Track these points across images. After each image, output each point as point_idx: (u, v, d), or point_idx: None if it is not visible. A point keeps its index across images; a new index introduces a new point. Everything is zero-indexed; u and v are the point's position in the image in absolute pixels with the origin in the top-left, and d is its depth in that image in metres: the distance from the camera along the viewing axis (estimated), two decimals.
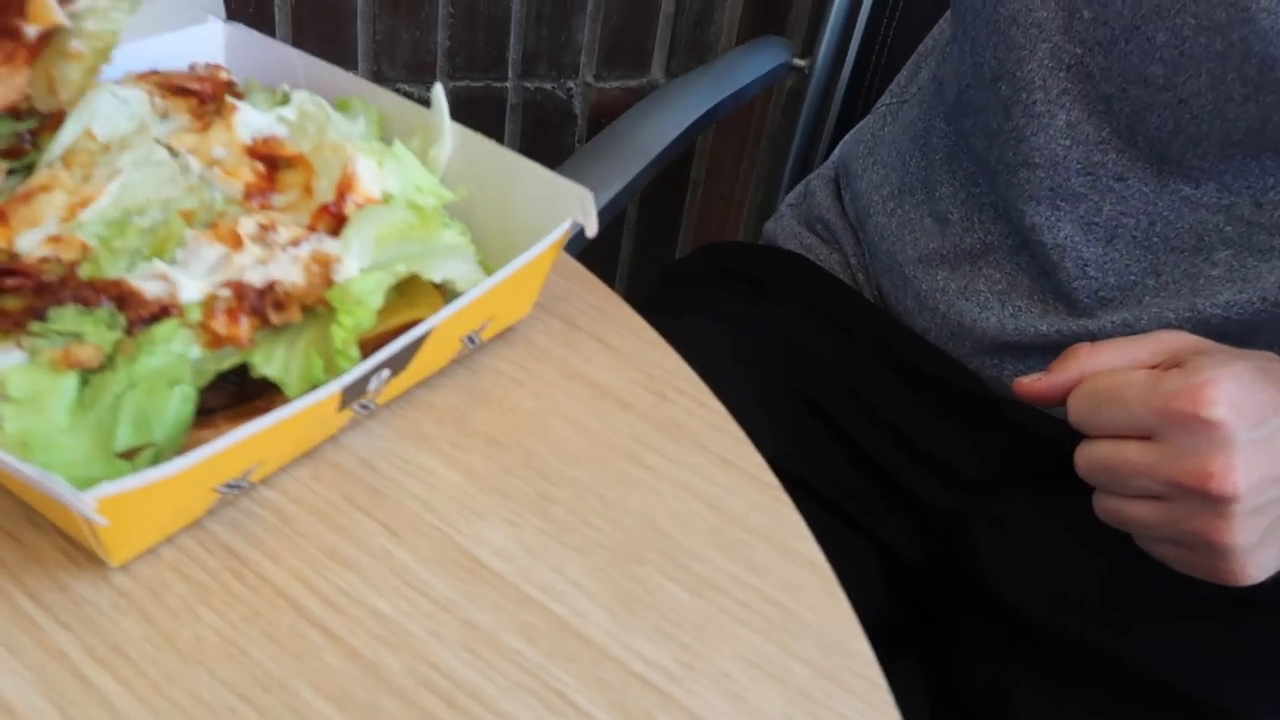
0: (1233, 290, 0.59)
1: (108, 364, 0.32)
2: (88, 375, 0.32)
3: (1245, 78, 0.54)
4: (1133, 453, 0.46)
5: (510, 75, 1.38)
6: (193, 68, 0.45)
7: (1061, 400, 0.49)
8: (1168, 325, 0.60)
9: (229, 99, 0.39)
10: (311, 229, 0.36)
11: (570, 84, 1.40)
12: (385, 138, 0.43)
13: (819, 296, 0.79)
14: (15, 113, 0.38)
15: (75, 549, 0.32)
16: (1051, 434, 0.67)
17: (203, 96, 0.40)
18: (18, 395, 0.31)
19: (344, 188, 0.37)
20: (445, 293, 0.38)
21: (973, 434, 0.69)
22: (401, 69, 1.32)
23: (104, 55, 0.37)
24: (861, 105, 1.29)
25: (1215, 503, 0.44)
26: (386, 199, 0.38)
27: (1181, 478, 0.44)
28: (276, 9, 1.24)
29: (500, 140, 1.42)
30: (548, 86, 1.40)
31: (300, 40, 1.26)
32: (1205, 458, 0.43)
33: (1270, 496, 0.45)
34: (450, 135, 0.43)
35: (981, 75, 0.64)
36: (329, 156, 0.38)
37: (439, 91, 0.43)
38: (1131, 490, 0.47)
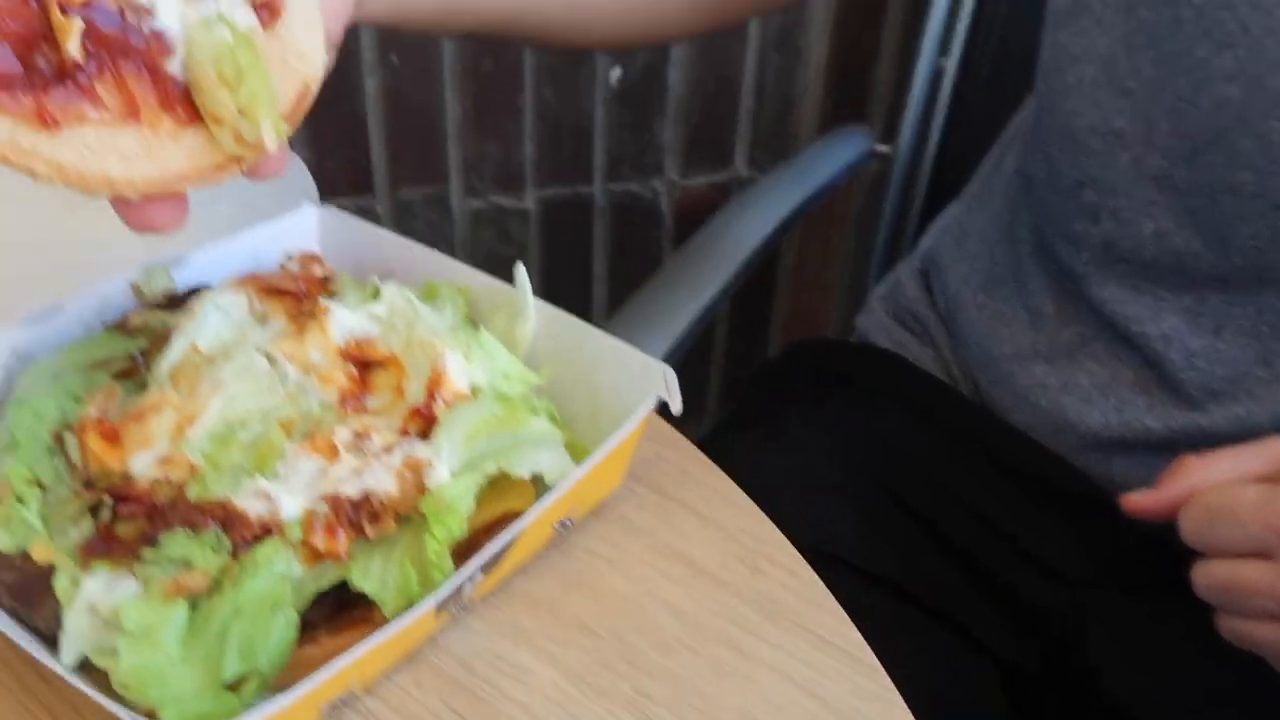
0: None
1: (214, 587, 0.33)
2: (197, 602, 0.33)
3: None
4: (1250, 572, 0.44)
5: (596, 180, 1.41)
6: (288, 258, 0.47)
7: (1172, 516, 0.47)
8: None
9: (322, 301, 0.40)
10: (404, 432, 0.37)
11: (655, 184, 1.42)
12: (473, 316, 0.45)
13: (914, 394, 0.77)
14: (131, 331, 0.41)
15: None
16: (1162, 533, 0.64)
17: (299, 295, 0.42)
18: (132, 628, 0.32)
19: (433, 386, 0.38)
20: (536, 481, 0.39)
21: (1078, 530, 0.67)
22: (491, 182, 1.36)
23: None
24: (948, 189, 1.28)
25: None
26: (475, 392, 0.39)
27: None
28: (372, 134, 1.29)
29: (589, 242, 1.45)
30: (633, 188, 1.42)
31: (395, 160, 1.31)
32: None
33: None
34: (534, 312, 0.44)
35: (1063, 182, 0.63)
36: (418, 355, 0.39)
37: (522, 271, 0.44)
38: (1253, 611, 0.45)
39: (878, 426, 0.76)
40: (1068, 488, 0.67)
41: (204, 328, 0.39)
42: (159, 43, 0.36)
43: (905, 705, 0.36)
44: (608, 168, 1.40)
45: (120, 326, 0.41)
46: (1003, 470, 0.70)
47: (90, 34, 0.35)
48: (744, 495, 0.44)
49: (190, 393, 0.38)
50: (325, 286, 0.43)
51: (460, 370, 0.39)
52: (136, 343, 0.40)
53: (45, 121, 0.34)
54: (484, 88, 1.29)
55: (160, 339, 0.40)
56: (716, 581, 0.40)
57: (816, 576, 0.40)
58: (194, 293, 0.43)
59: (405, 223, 1.31)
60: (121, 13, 0.36)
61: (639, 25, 0.71)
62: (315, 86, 0.39)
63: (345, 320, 0.40)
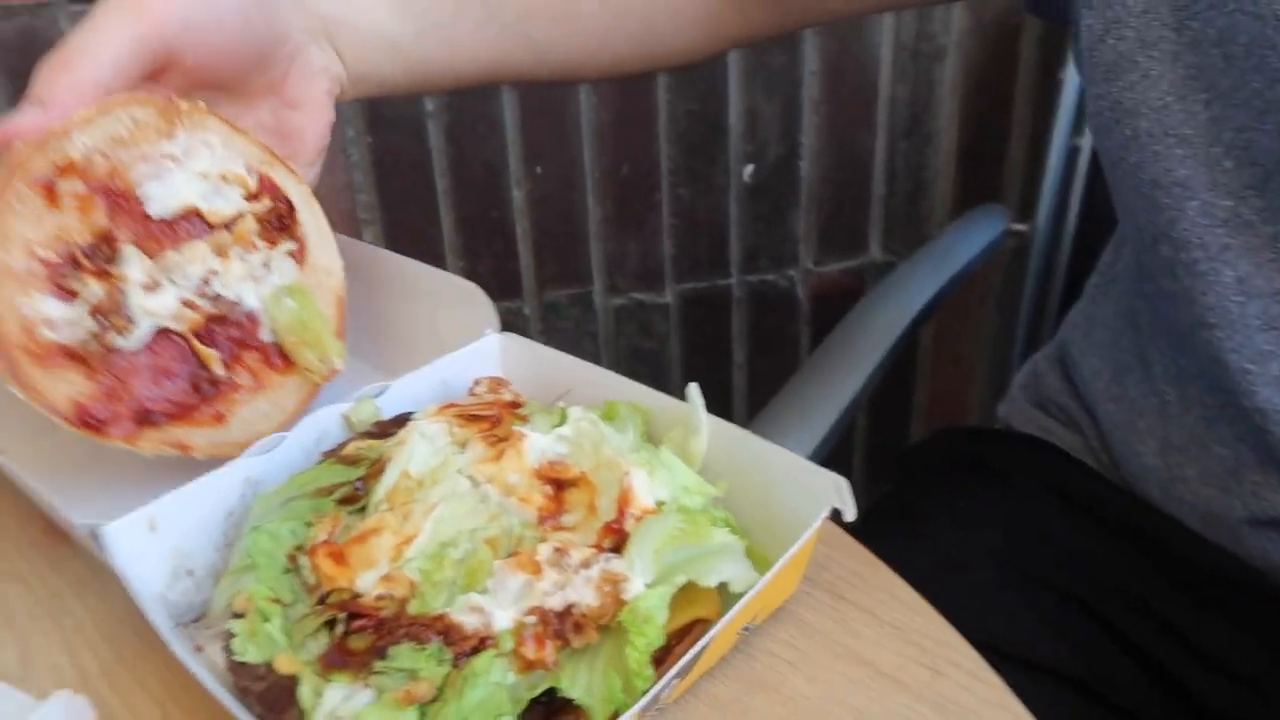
0: None
1: (438, 695, 0.37)
2: (424, 709, 0.37)
3: None
4: None
5: (733, 272, 1.44)
6: (477, 383, 0.51)
7: None
8: None
9: (517, 428, 0.44)
10: (598, 547, 0.40)
11: (791, 272, 1.45)
12: (650, 432, 0.48)
13: (1065, 484, 0.77)
14: (349, 460, 0.45)
15: None
16: None
17: (493, 420, 0.46)
18: None
19: (623, 503, 0.41)
20: (720, 589, 0.41)
21: (1246, 620, 0.65)
22: (632, 279, 1.42)
23: None
24: (1090, 266, 1.27)
25: None
26: (660, 506, 0.42)
27: None
28: (519, 241, 1.36)
29: (728, 333, 1.48)
30: (769, 277, 1.45)
31: (541, 264, 1.37)
32: None
33: None
34: (706, 428, 0.47)
35: (1143, 239, 0.62)
36: (606, 474, 0.42)
37: (695, 391, 0.47)
38: None
39: (1033, 517, 0.76)
40: (1229, 576, 0.65)
41: (413, 455, 0.44)
42: (252, 322, 0.50)
43: None
44: (743, 259, 1.43)
45: (339, 456, 0.46)
46: (1162, 561, 0.69)
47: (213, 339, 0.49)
48: (916, 595, 0.45)
49: (405, 515, 0.42)
50: (515, 410, 0.47)
51: (645, 487, 0.42)
52: (356, 471, 0.45)
53: (219, 420, 0.49)
54: (623, 191, 1.35)
55: (376, 467, 0.44)
56: (897, 684, 0.41)
57: (999, 679, 0.41)
58: (399, 420, 0.48)
59: (551, 322, 1.37)
60: (223, 316, 0.49)
61: (627, 46, 0.71)
62: (343, 292, 0.53)
63: (538, 443, 0.44)
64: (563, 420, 0.45)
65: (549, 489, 0.42)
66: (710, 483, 0.44)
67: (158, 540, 0.44)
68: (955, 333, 1.50)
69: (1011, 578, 0.72)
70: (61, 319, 0.45)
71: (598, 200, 1.35)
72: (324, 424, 0.49)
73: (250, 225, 0.50)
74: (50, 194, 0.46)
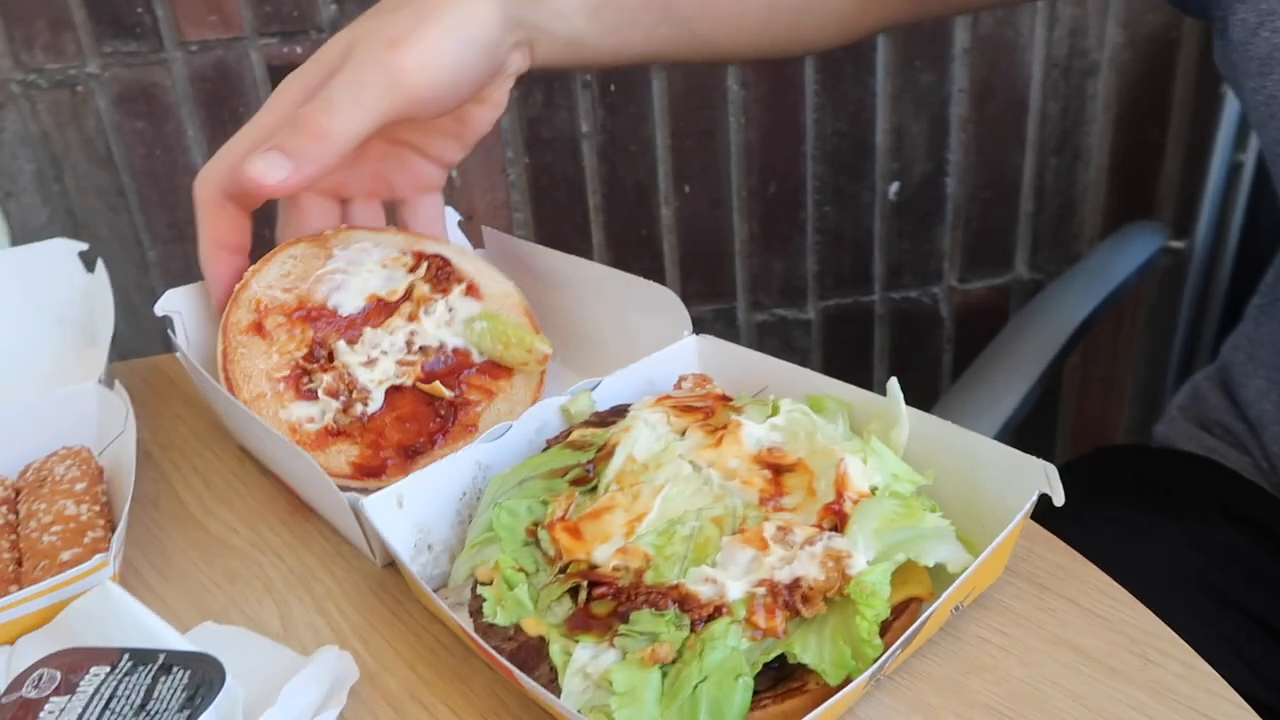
0: None
1: (678, 658, 0.40)
2: (665, 668, 0.40)
3: None
4: None
5: (876, 289, 1.45)
6: (682, 379, 0.55)
7: None
8: None
9: (734, 417, 0.47)
10: (819, 527, 0.43)
11: (935, 289, 1.46)
12: (851, 426, 0.50)
13: (1236, 502, 0.76)
14: (577, 445, 0.49)
15: None
16: None
17: (706, 412, 0.49)
18: (620, 689, 0.39)
19: (840, 486, 0.44)
20: (931, 570, 0.43)
21: None
22: (776, 295, 1.44)
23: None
24: (1252, 287, 1.24)
25: None
26: (874, 491, 0.44)
27: None
28: (666, 257, 1.40)
29: (870, 349, 1.49)
30: (913, 294, 1.46)
31: (687, 279, 1.41)
32: None
33: None
34: (907, 420, 0.49)
35: None
36: (822, 460, 0.45)
37: (894, 385, 0.49)
38: None
39: (1205, 533, 0.75)
40: None
41: (638, 441, 0.47)
42: (461, 354, 0.60)
43: None
44: (887, 276, 1.44)
45: (567, 442, 0.50)
46: None
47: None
48: (1121, 589, 0.46)
49: (634, 495, 0.45)
50: (728, 403, 0.50)
51: (860, 472, 0.44)
52: (585, 455, 0.48)
53: (471, 432, 0.57)
54: (769, 209, 1.38)
55: (604, 451, 0.47)
56: (1108, 669, 0.42)
57: (1210, 667, 0.42)
58: (616, 411, 0.51)
59: None
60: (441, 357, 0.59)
61: (780, 35, 0.74)
62: (526, 303, 0.62)
63: (754, 431, 0.46)
64: (775, 411, 0.48)
65: (768, 473, 0.45)
66: (918, 471, 0.46)
67: (405, 515, 0.48)
68: (1106, 352, 1.48)
69: (1184, 592, 0.72)
70: (314, 413, 0.57)
71: (743, 218, 1.38)
72: (543, 415, 0.53)
73: (422, 288, 0.60)
74: (261, 331, 0.58)
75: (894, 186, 1.38)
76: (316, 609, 0.50)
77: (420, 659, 0.46)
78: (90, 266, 0.71)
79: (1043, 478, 0.44)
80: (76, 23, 1.18)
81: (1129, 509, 0.80)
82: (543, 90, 1.26)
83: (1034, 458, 0.45)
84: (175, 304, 0.61)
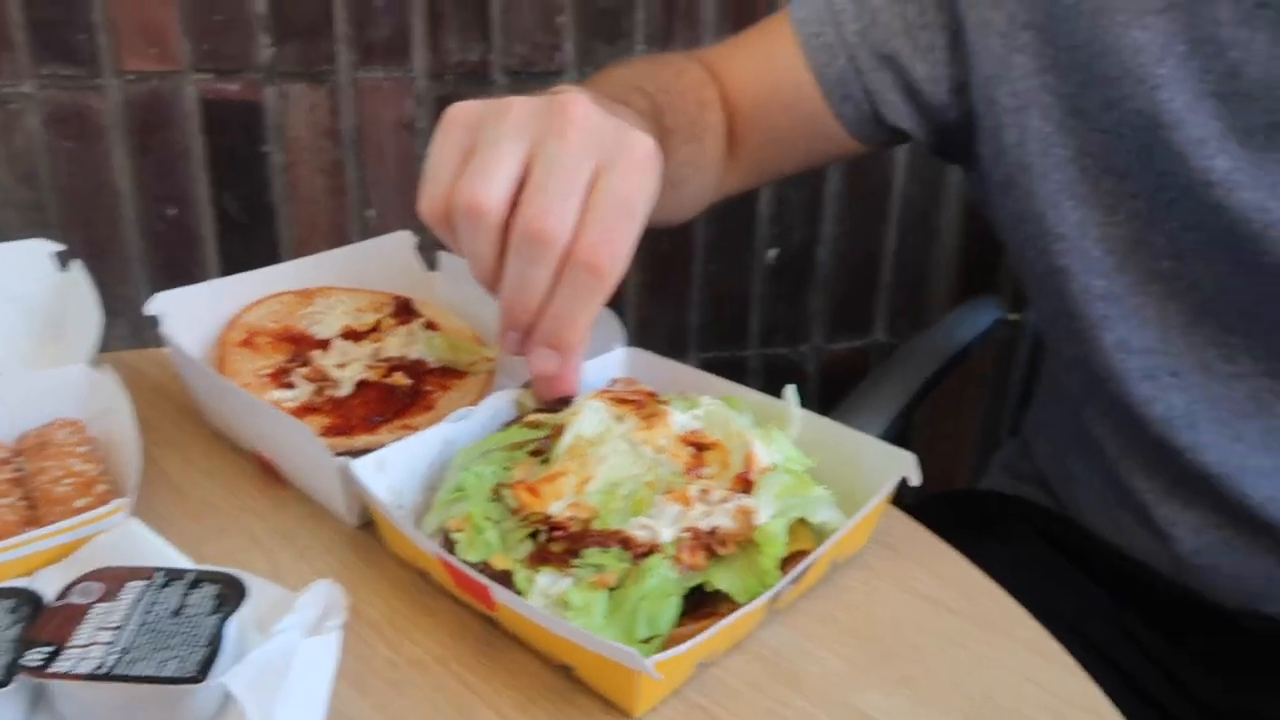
0: None
1: (620, 584, 0.50)
2: (610, 592, 0.50)
3: (1228, 257, 0.67)
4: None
5: (751, 345, 1.59)
6: (614, 381, 0.66)
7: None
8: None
9: (661, 406, 0.58)
10: (732, 490, 0.54)
11: (803, 348, 1.61)
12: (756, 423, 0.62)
13: (1052, 532, 0.91)
14: (533, 425, 0.59)
15: (603, 707, 0.49)
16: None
17: (638, 404, 0.60)
18: (576, 606, 0.49)
19: (748, 462, 0.55)
20: (815, 533, 0.55)
21: (1215, 660, 0.79)
22: (661, 344, 1.55)
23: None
24: None
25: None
26: (774, 468, 0.56)
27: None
28: None
29: None
30: (784, 351, 1.60)
31: None
32: None
33: None
34: (798, 419, 0.61)
35: (1044, 317, 0.79)
36: (734, 441, 0.56)
37: (791, 390, 0.61)
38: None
39: (1029, 558, 0.90)
40: (1189, 611, 0.79)
41: (585, 423, 0.58)
42: (419, 362, 0.71)
43: (1102, 692, 0.50)
44: (762, 334, 1.59)
45: (525, 422, 0.60)
46: (1140, 601, 0.82)
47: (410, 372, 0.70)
48: (958, 554, 0.59)
49: (582, 464, 0.55)
50: (655, 398, 0.61)
51: (764, 452, 0.56)
52: (540, 432, 0.58)
53: (430, 409, 0.67)
54: (660, 263, 1.51)
55: (556, 430, 0.58)
56: (948, 610, 0.55)
57: (1023, 609, 0.55)
58: (562, 401, 0.62)
59: None
60: (400, 365, 0.71)
61: (672, 212, 0.83)
62: (476, 331, 0.74)
63: (679, 418, 0.58)
64: (695, 405, 0.59)
65: (691, 450, 0.56)
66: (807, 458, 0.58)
67: (384, 477, 0.57)
68: (949, 411, 1.65)
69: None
70: (291, 397, 0.67)
71: (635, 270, 1.51)
72: (498, 403, 0.63)
73: (388, 321, 0.75)
74: (250, 345, 0.71)
75: (773, 252, 1.53)
76: (301, 558, 0.58)
77: (394, 595, 0.55)
78: (64, 265, 0.78)
79: (907, 465, 0.57)
80: (16, 43, 1.23)
81: (962, 539, 0.94)
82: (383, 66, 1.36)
83: (898, 449, 0.57)
84: (162, 306, 0.69)
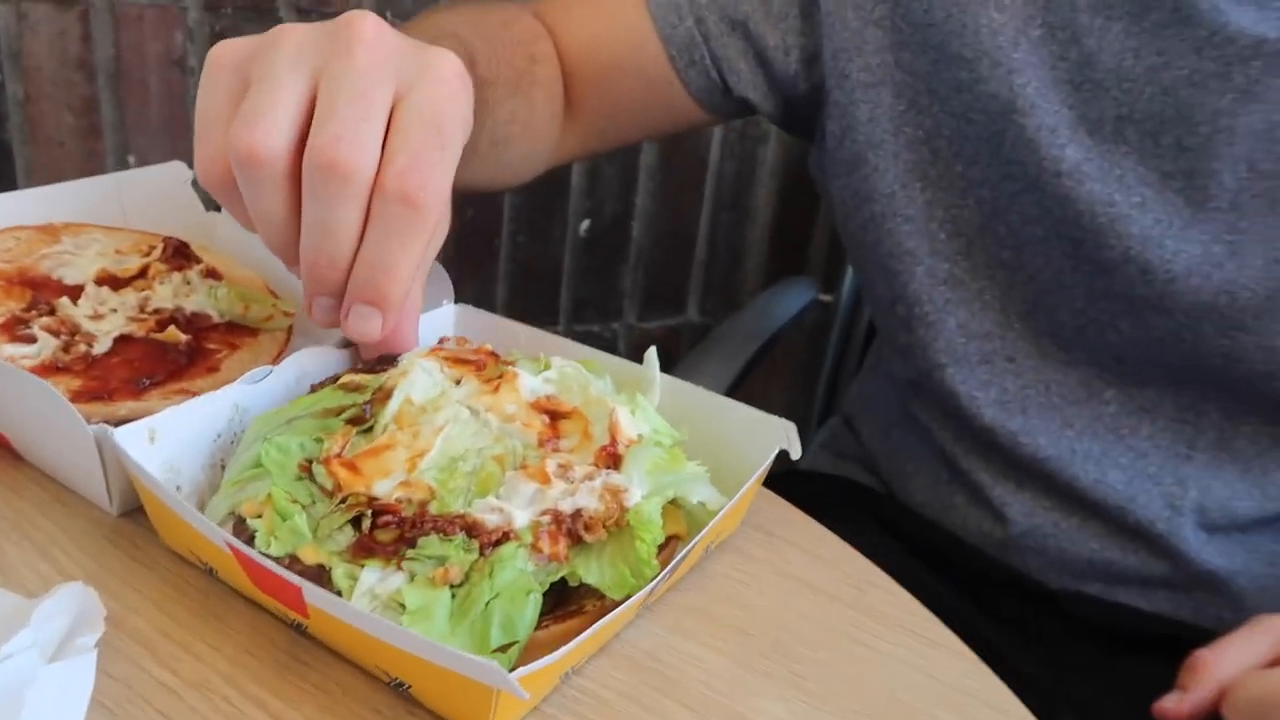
0: (1131, 420, 0.70)
1: (466, 579, 0.41)
2: (454, 589, 0.41)
3: (1067, 250, 0.67)
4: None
5: (561, 320, 1.51)
6: (443, 341, 0.56)
7: (1206, 713, 0.52)
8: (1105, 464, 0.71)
9: (509, 368, 0.49)
10: (597, 465, 0.46)
11: (615, 325, 1.54)
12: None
13: (878, 510, 0.89)
14: (350, 388, 0.48)
15: None
16: (1100, 620, 0.76)
17: (478, 365, 0.51)
18: (413, 607, 0.39)
19: (613, 432, 0.47)
20: (687, 515, 0.48)
21: (1026, 627, 0.78)
22: None
23: None
24: None
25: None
26: (642, 440, 0.48)
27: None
28: None
29: None
30: (595, 329, 1.53)
31: None
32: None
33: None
34: (659, 386, 0.53)
35: (881, 303, 0.77)
36: (595, 409, 0.48)
37: (652, 353, 0.53)
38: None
39: (860, 538, 0.87)
40: (1007, 584, 0.78)
41: (415, 385, 0.48)
42: (199, 316, 0.58)
43: (1002, 683, 0.45)
44: (572, 309, 1.51)
45: (338, 384, 0.49)
46: (956, 573, 0.81)
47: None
48: (834, 536, 0.53)
49: (414, 434, 0.46)
50: (498, 358, 0.52)
51: (630, 422, 0.48)
52: (360, 396, 0.48)
53: (214, 370, 0.55)
54: (465, 234, 1.40)
55: (382, 393, 0.47)
56: (831, 598, 0.49)
57: (911, 595, 0.49)
58: (385, 360, 0.52)
59: None
60: (174, 318, 0.58)
61: (502, 174, 0.76)
62: (270, 283, 0.63)
63: (529, 382, 0.49)
64: (547, 367, 0.51)
65: (545, 418, 0.47)
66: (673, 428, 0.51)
67: (155, 451, 0.45)
68: (761, 393, 1.63)
69: None
70: (30, 351, 0.53)
71: None
72: (303, 363, 0.52)
73: (158, 266, 0.61)
74: None
75: (584, 224, 1.45)
76: (41, 554, 0.45)
77: (169, 599, 0.44)
78: None
79: (783, 435, 0.50)
80: None
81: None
82: None
83: (776, 418, 0.51)
84: None
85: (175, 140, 1.20)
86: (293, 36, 0.46)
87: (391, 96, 0.45)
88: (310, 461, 0.45)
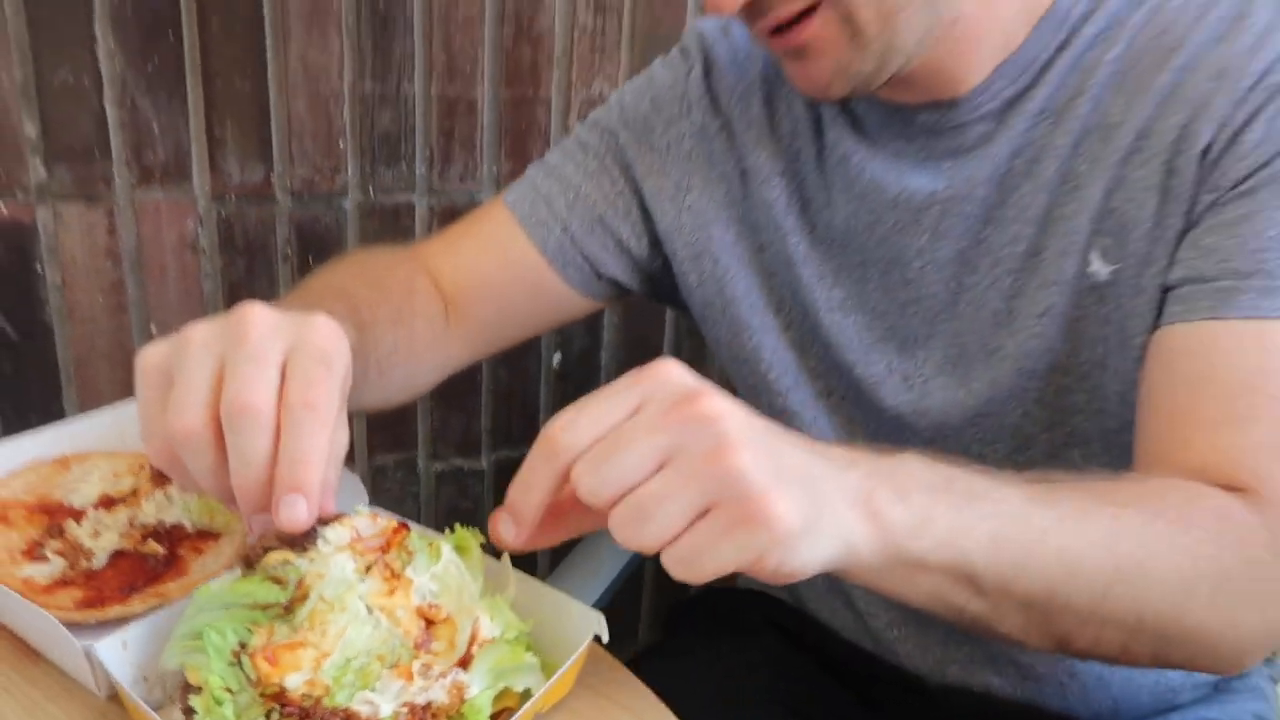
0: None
1: None
2: None
3: (845, 375, 0.88)
4: (656, 486, 0.49)
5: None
6: (358, 513, 0.71)
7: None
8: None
9: (407, 572, 0.64)
10: (455, 664, 0.61)
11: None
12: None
13: (783, 623, 1.03)
14: (277, 580, 0.64)
15: None
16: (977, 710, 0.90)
17: (384, 551, 0.65)
18: None
19: (472, 637, 0.63)
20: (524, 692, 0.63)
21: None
22: (452, 448, 1.62)
23: None
24: None
25: (709, 422, 0.48)
26: (494, 640, 0.63)
27: (673, 410, 0.49)
28: (356, 416, 1.55)
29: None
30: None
31: (372, 432, 1.56)
32: (686, 395, 0.49)
33: (768, 444, 0.50)
34: (514, 582, 0.69)
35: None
36: (464, 617, 0.64)
37: (506, 557, 0.69)
38: (635, 466, 0.49)
39: (767, 652, 1.01)
40: (884, 677, 0.93)
41: (328, 584, 0.63)
42: (178, 527, 0.75)
43: None
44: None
45: (268, 574, 0.63)
46: (843, 673, 0.95)
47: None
48: (651, 693, 0.68)
49: (323, 634, 0.61)
50: (405, 533, 0.66)
51: (487, 625, 0.63)
52: (285, 592, 0.63)
53: (183, 573, 0.71)
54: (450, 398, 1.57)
55: (300, 593, 0.62)
56: None
57: None
58: (309, 536, 0.66)
59: (379, 484, 1.55)
60: (156, 531, 0.75)
61: (393, 391, 0.89)
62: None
63: (421, 584, 0.64)
64: (437, 558, 0.66)
65: (423, 623, 0.63)
66: (521, 619, 0.66)
67: (128, 656, 0.62)
68: None
69: (737, 694, 0.96)
70: (44, 572, 0.70)
71: (424, 420, 1.57)
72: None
73: (145, 486, 0.78)
74: (4, 520, 0.74)
75: (556, 357, 1.62)
76: None
77: None
78: None
79: (597, 624, 0.66)
80: None
81: (709, 636, 1.05)
82: (245, 259, 1.41)
83: (592, 610, 0.66)
84: None
85: (190, 312, 1.39)
86: (198, 334, 0.58)
87: (282, 354, 0.57)
88: (243, 646, 0.61)
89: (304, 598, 0.63)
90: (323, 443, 0.56)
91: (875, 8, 0.70)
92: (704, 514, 0.49)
